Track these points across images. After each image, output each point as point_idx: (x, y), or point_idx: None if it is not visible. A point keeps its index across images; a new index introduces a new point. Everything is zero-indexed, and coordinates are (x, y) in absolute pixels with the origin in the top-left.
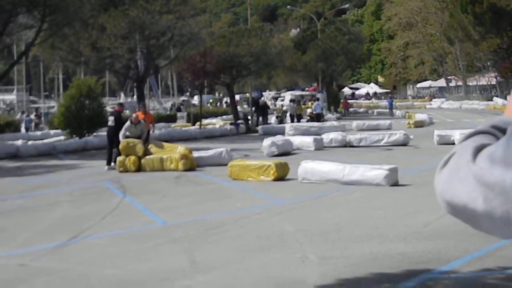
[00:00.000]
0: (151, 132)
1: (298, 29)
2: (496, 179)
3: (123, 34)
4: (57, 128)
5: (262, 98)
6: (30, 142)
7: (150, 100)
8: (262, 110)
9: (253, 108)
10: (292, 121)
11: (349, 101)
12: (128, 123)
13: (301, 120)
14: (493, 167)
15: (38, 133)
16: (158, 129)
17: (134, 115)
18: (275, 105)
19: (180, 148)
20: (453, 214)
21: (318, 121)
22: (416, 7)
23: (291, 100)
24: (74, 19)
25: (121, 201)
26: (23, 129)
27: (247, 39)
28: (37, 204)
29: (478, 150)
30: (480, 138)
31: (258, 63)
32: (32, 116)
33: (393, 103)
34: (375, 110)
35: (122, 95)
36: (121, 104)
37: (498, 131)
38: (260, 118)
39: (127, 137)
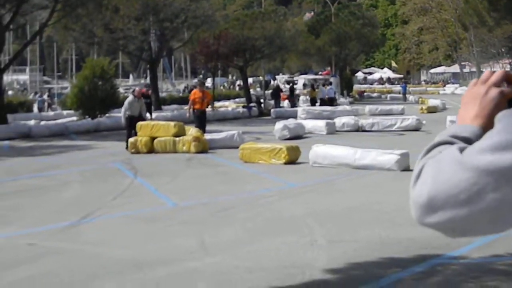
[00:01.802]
0: (210, 110)
1: (312, 13)
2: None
3: (137, 16)
4: (69, 109)
5: (275, 82)
6: (42, 122)
7: (163, 81)
8: (275, 93)
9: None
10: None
11: (362, 85)
12: (131, 97)
13: (316, 104)
14: (499, 153)
15: (51, 113)
16: (171, 111)
17: (137, 89)
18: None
19: (193, 131)
20: (433, 224)
21: (331, 105)
22: None
23: (304, 84)
24: (88, 0)
25: (132, 182)
26: (35, 109)
27: (261, 22)
28: (48, 184)
29: (462, 149)
30: (444, 147)
31: (272, 46)
32: (45, 97)
33: (407, 88)
34: (388, 95)
35: (131, 76)
36: (148, 86)
37: (458, 140)
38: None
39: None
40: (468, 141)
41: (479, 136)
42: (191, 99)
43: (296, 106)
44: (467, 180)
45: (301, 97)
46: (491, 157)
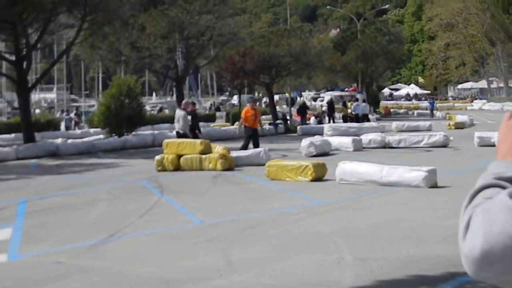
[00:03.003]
0: (259, 128)
1: (338, 30)
2: None
3: (163, 34)
4: (96, 127)
5: (302, 98)
6: (69, 141)
7: (190, 99)
8: (302, 110)
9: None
10: (329, 121)
11: (388, 102)
12: (184, 113)
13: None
14: None
15: (78, 131)
16: None
17: (184, 102)
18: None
19: (219, 148)
20: (490, 278)
21: (357, 121)
22: (457, 8)
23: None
24: (114, 19)
25: (158, 200)
26: (63, 128)
27: (286, 39)
28: (75, 202)
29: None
30: (490, 192)
31: (298, 63)
32: (72, 115)
33: (434, 104)
34: (415, 111)
35: (154, 94)
36: (194, 103)
37: (504, 181)
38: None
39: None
40: None
41: None
42: (244, 117)
43: (323, 123)
44: None
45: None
46: None
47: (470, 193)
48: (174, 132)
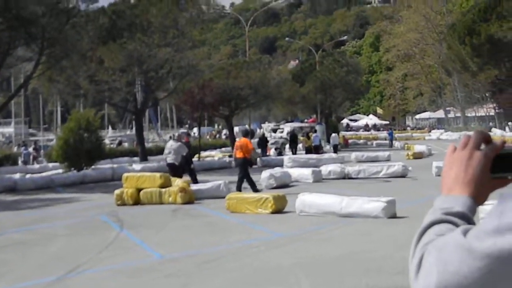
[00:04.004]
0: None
1: (297, 61)
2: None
3: (121, 67)
4: (55, 161)
5: (261, 130)
6: (28, 176)
7: (149, 132)
8: (261, 142)
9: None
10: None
11: (346, 133)
12: (179, 144)
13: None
14: (491, 238)
15: (36, 166)
16: (157, 162)
17: (178, 134)
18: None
19: (179, 181)
20: None
21: (317, 153)
22: (414, 38)
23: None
24: (72, 52)
25: (118, 235)
26: (20, 163)
27: (245, 71)
28: (34, 238)
29: (464, 232)
30: (440, 228)
31: (257, 95)
32: (31, 149)
33: (393, 134)
34: (374, 142)
35: (110, 128)
36: (188, 134)
37: (452, 216)
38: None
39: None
40: (463, 216)
41: (472, 209)
42: (250, 148)
43: (283, 155)
44: (480, 270)
45: (287, 146)
46: (504, 240)
47: (420, 230)
48: (166, 164)
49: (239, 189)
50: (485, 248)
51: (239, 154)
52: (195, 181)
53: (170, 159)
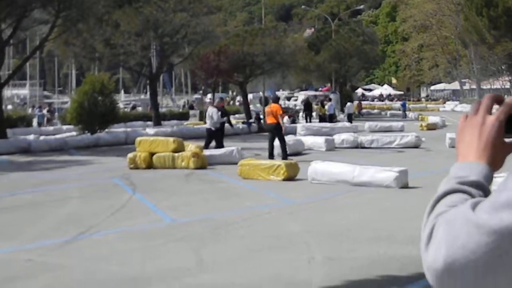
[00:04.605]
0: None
1: (313, 29)
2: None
3: (137, 31)
4: (69, 124)
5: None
6: (42, 137)
7: (163, 97)
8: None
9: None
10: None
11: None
12: (216, 110)
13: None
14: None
15: (50, 128)
16: (171, 127)
17: (217, 100)
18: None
19: (192, 146)
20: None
21: (331, 121)
22: (431, 9)
23: (302, 101)
24: (88, 15)
25: (130, 198)
26: (35, 124)
27: (261, 38)
28: (46, 199)
29: (474, 206)
30: (453, 198)
31: (272, 62)
32: (45, 111)
33: (407, 105)
34: (388, 112)
35: (123, 92)
36: (222, 99)
37: (467, 186)
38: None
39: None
40: (479, 185)
41: (488, 177)
42: (281, 113)
43: (296, 123)
44: (487, 245)
45: (300, 114)
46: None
47: (433, 199)
48: (205, 128)
49: (285, 156)
50: (492, 223)
51: (270, 120)
52: (219, 146)
53: (209, 124)
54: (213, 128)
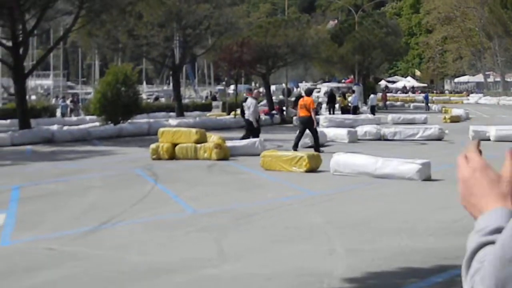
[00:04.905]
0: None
1: (336, 21)
2: None
3: (160, 23)
4: (92, 114)
5: (298, 89)
6: (65, 128)
7: (186, 88)
8: (297, 101)
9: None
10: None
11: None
12: (255, 101)
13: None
14: None
15: (74, 118)
16: (193, 118)
17: (255, 91)
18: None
19: (214, 137)
20: None
21: (354, 113)
22: (456, 1)
23: (325, 93)
24: (112, 6)
25: (152, 188)
26: (58, 114)
27: (284, 29)
28: (69, 189)
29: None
30: (482, 254)
31: (295, 54)
32: (68, 102)
33: (429, 97)
34: (412, 104)
35: (145, 83)
36: (250, 90)
37: (490, 236)
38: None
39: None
40: (500, 231)
41: (509, 216)
42: (313, 107)
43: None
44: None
45: (324, 106)
46: None
47: (465, 259)
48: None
49: (317, 149)
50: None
51: (303, 113)
52: (255, 135)
53: (246, 115)
54: (250, 119)
